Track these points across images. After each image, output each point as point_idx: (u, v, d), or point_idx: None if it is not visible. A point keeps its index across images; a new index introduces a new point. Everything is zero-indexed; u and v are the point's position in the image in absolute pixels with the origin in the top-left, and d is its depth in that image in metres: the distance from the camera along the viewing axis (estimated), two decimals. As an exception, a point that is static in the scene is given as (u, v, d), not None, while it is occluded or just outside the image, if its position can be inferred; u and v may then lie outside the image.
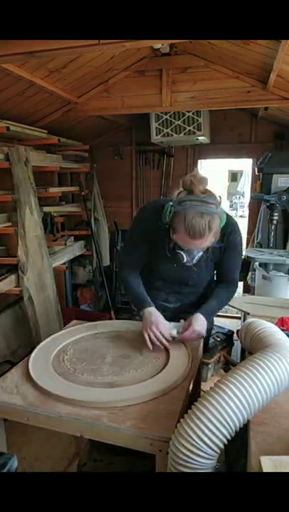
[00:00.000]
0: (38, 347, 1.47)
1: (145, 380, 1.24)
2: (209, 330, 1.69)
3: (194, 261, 1.40)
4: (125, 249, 1.76)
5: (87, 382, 1.25)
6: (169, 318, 1.53)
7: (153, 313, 1.46)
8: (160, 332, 1.41)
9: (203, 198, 1.24)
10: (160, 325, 1.42)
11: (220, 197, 1.34)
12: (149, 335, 1.41)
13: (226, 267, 1.58)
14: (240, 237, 1.53)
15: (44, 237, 2.72)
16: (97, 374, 1.30)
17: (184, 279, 1.59)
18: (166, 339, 1.42)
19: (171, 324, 1.49)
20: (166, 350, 1.43)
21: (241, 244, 1.55)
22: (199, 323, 1.44)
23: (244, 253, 2.73)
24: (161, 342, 1.40)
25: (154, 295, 1.62)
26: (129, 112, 3.11)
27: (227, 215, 1.39)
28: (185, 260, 1.38)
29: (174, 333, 1.45)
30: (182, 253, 1.38)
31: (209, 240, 1.29)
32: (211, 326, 1.70)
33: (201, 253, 1.39)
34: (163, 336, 1.41)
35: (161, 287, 1.66)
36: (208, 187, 1.29)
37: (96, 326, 1.69)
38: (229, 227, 1.43)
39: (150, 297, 1.59)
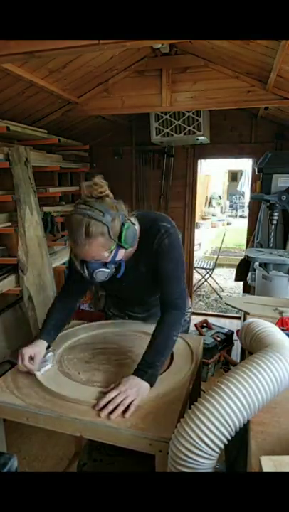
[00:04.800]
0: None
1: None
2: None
3: (98, 278, 1.22)
4: (67, 271, 1.57)
5: (87, 382, 1.25)
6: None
7: (39, 345, 1.32)
8: (27, 362, 1.26)
9: (89, 202, 1.13)
10: (35, 357, 1.28)
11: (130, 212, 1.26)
12: (20, 358, 1.27)
13: (159, 279, 1.33)
14: (170, 240, 1.30)
15: (44, 237, 2.72)
16: (99, 374, 1.30)
17: (133, 295, 1.51)
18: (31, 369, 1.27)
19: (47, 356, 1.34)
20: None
21: (172, 249, 1.30)
22: (126, 385, 1.12)
23: (244, 253, 2.71)
24: (28, 367, 1.26)
25: (120, 304, 1.66)
26: (129, 111, 3.12)
27: (156, 222, 1.31)
28: (87, 274, 1.21)
29: (41, 371, 1.28)
30: (81, 266, 1.21)
31: (93, 248, 1.14)
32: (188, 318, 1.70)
33: (108, 270, 1.22)
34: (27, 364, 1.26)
35: (125, 300, 1.64)
36: (107, 196, 1.17)
37: (98, 326, 1.69)
38: (154, 232, 1.30)
39: (119, 305, 1.67)
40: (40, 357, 1.30)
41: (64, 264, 3.23)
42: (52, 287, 2.79)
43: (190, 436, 0.89)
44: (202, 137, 3.41)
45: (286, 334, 1.24)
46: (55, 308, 1.45)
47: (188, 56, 2.77)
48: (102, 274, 1.22)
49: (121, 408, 1.06)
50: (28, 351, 1.27)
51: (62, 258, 3.16)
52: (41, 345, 1.32)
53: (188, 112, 3.26)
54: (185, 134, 3.36)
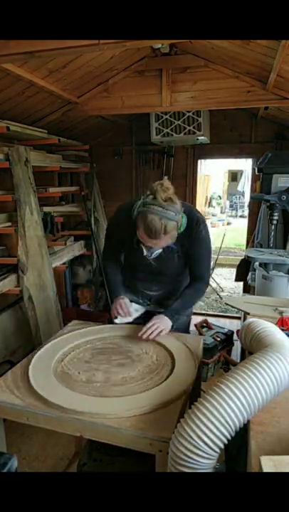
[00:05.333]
0: (40, 351, 1.46)
1: (149, 390, 1.21)
2: (187, 323, 1.92)
3: (153, 255, 1.57)
4: (105, 243, 1.89)
5: (89, 390, 1.24)
6: (149, 309, 1.84)
7: (122, 298, 1.70)
8: (125, 306, 1.67)
9: (164, 205, 1.39)
10: (126, 302, 1.69)
11: (187, 208, 1.54)
12: (116, 306, 1.66)
13: (192, 260, 1.67)
14: (206, 231, 1.62)
15: (44, 237, 2.72)
16: (99, 374, 1.30)
17: (157, 269, 1.71)
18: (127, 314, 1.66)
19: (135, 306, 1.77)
20: (172, 357, 1.42)
21: (207, 238, 1.63)
22: (159, 320, 1.57)
23: (244, 253, 2.72)
24: (125, 311, 1.65)
25: (137, 283, 1.85)
26: (129, 111, 3.11)
27: (193, 212, 1.60)
28: (145, 254, 1.56)
29: (135, 311, 1.71)
30: (143, 247, 1.55)
31: (165, 241, 1.46)
32: (188, 318, 1.93)
33: (160, 250, 1.55)
34: (126, 309, 1.66)
35: (142, 277, 1.81)
36: (173, 196, 1.43)
37: (101, 329, 1.67)
38: (194, 221, 1.58)
39: (134, 285, 1.85)
40: (129, 306, 1.70)
41: (64, 264, 3.23)
42: (52, 287, 2.79)
43: (190, 436, 0.89)
44: (202, 137, 3.40)
45: (286, 334, 1.24)
46: (113, 271, 1.81)
47: (188, 56, 2.77)
48: (158, 252, 1.57)
49: (154, 333, 1.52)
50: (122, 301, 1.68)
51: (62, 258, 3.16)
52: (124, 298, 1.71)
53: (188, 111, 3.26)
54: (185, 134, 3.36)
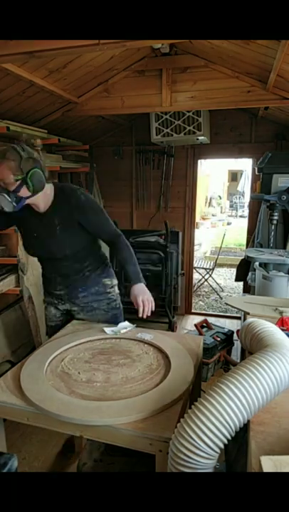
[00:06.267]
0: (35, 353, 1.46)
1: (148, 391, 1.19)
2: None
3: (1, 203, 1.45)
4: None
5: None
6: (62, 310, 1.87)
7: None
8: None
9: (19, 143, 1.49)
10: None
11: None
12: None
13: (92, 228, 1.65)
14: (85, 195, 1.62)
15: (44, 237, 2.72)
16: (99, 374, 1.30)
17: (50, 250, 1.66)
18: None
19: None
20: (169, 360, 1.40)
21: (90, 202, 1.63)
22: (140, 293, 1.62)
23: (244, 253, 2.71)
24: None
25: (47, 286, 1.88)
26: (129, 111, 3.12)
27: (68, 184, 1.64)
28: (5, 206, 1.46)
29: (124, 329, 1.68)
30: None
31: (3, 169, 1.41)
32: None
33: (8, 198, 1.44)
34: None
35: (48, 273, 1.83)
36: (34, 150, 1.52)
37: (101, 329, 1.68)
38: (68, 189, 1.62)
39: (45, 288, 1.91)
40: None
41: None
42: (52, 287, 2.79)
43: (190, 436, 0.89)
44: (202, 137, 3.40)
45: (286, 334, 1.24)
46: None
47: (188, 56, 2.77)
48: (2, 199, 1.45)
49: (150, 307, 1.60)
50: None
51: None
52: None
53: (188, 111, 3.26)
54: (185, 134, 3.36)
